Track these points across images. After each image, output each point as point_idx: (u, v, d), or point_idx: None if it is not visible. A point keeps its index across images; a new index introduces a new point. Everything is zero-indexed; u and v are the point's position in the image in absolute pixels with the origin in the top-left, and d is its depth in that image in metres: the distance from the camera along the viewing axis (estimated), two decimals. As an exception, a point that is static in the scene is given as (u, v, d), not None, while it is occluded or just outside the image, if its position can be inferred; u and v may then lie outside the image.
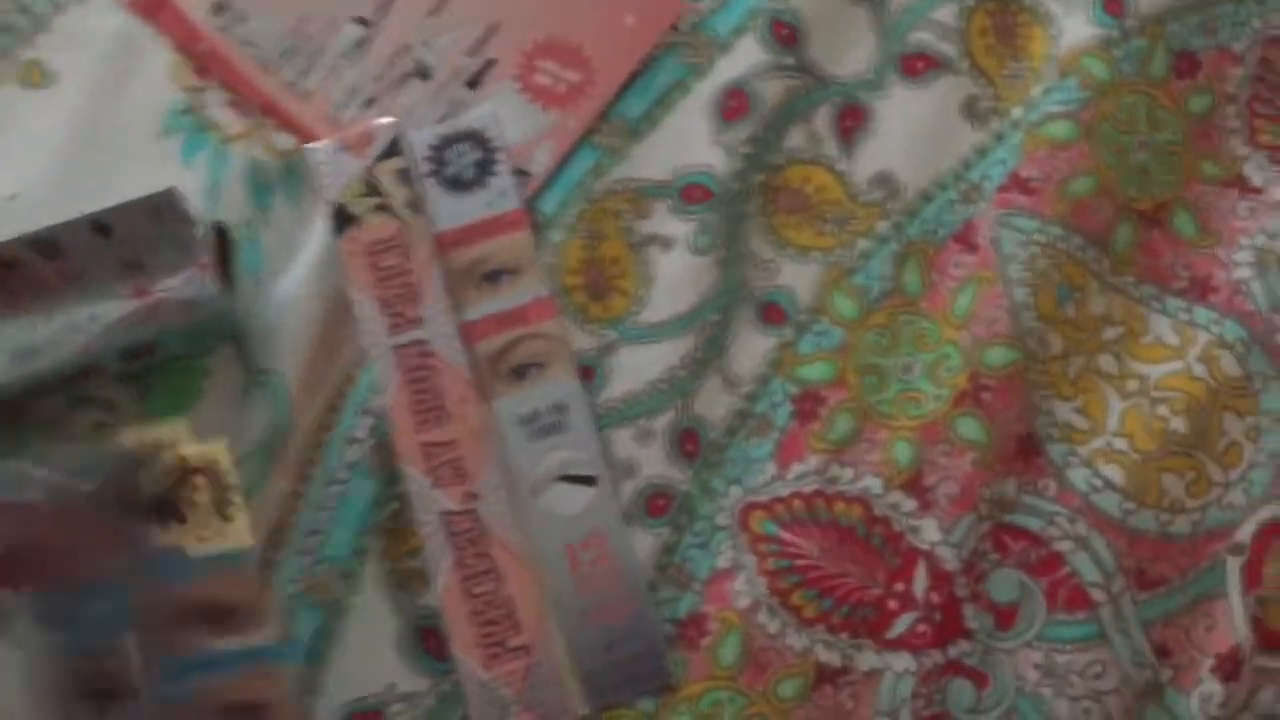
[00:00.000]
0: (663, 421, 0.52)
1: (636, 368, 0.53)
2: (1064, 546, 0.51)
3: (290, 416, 0.51)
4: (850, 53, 0.56)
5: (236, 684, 0.49)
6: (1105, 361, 0.53)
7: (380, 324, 0.50)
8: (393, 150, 0.51)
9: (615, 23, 0.55)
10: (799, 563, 0.51)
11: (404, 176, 0.51)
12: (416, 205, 0.51)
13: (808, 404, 0.53)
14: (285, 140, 0.54)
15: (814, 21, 0.56)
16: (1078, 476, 0.52)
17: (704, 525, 0.52)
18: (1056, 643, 0.51)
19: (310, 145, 0.51)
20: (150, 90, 0.54)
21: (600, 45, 0.55)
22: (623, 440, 0.52)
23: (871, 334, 0.53)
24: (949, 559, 0.51)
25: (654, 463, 0.52)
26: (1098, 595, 0.51)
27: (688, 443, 0.52)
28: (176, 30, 0.54)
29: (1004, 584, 0.51)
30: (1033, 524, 0.52)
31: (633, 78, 0.55)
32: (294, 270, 0.52)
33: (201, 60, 0.54)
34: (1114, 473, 0.52)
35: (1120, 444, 0.52)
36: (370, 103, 0.54)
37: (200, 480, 0.49)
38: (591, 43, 0.55)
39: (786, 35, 0.56)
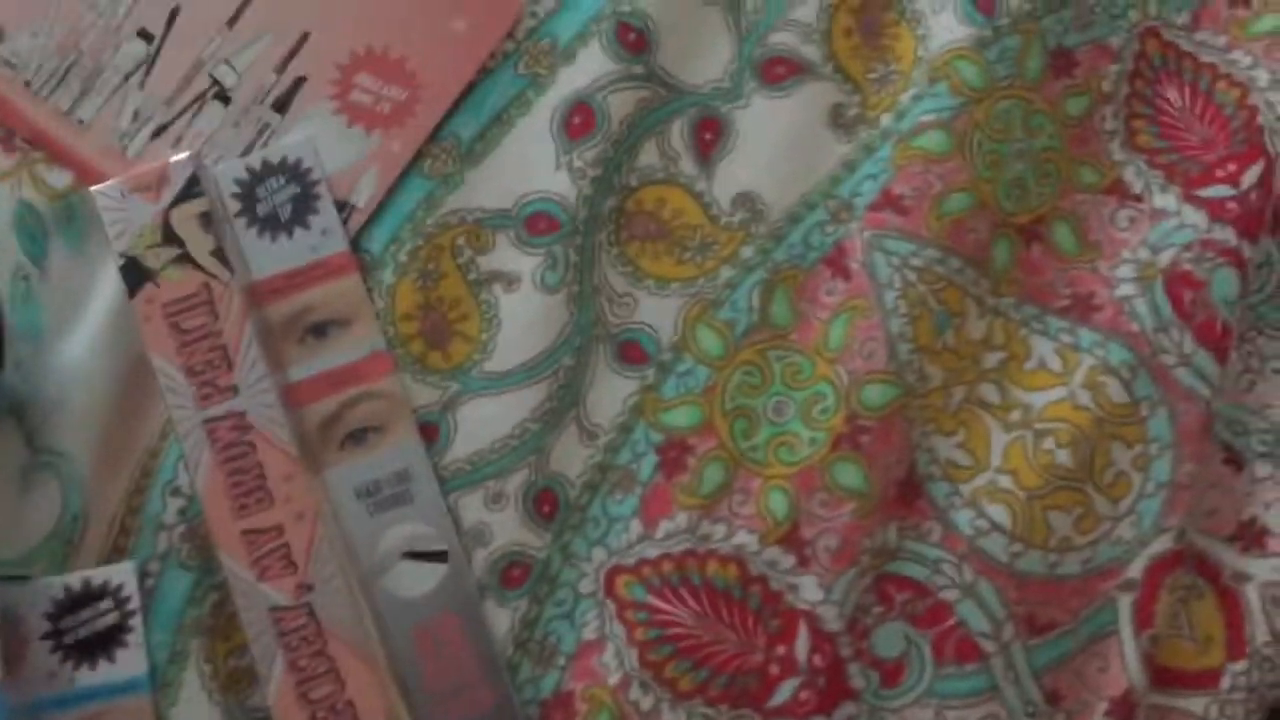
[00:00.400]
0: (516, 482, 0.48)
1: (484, 423, 0.48)
2: (950, 595, 0.49)
3: (85, 503, 0.45)
4: (705, 59, 0.52)
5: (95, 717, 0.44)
6: (987, 391, 0.50)
7: (187, 395, 0.44)
8: (191, 190, 0.45)
9: (442, 30, 0.49)
10: (671, 631, 0.47)
11: (206, 220, 0.45)
12: (223, 254, 0.45)
13: (674, 453, 0.49)
14: (59, 177, 0.47)
15: (664, 24, 0.52)
16: (961, 518, 0.49)
17: (566, 593, 0.48)
18: (946, 698, 0.48)
19: (94, 188, 0.44)
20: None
21: (426, 57, 0.49)
22: (472, 505, 0.48)
23: (739, 373, 0.50)
24: (831, 618, 0.48)
25: (508, 528, 0.48)
26: (987, 645, 0.49)
27: (544, 504, 0.48)
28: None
29: (889, 638, 0.49)
30: (917, 572, 0.49)
31: (465, 93, 0.49)
32: (80, 332, 0.46)
33: (-45, 85, 0.47)
34: (999, 512, 0.49)
35: (1005, 481, 0.50)
36: (160, 131, 0.47)
37: None
38: (416, 54, 0.49)
39: (635, 41, 0.51)
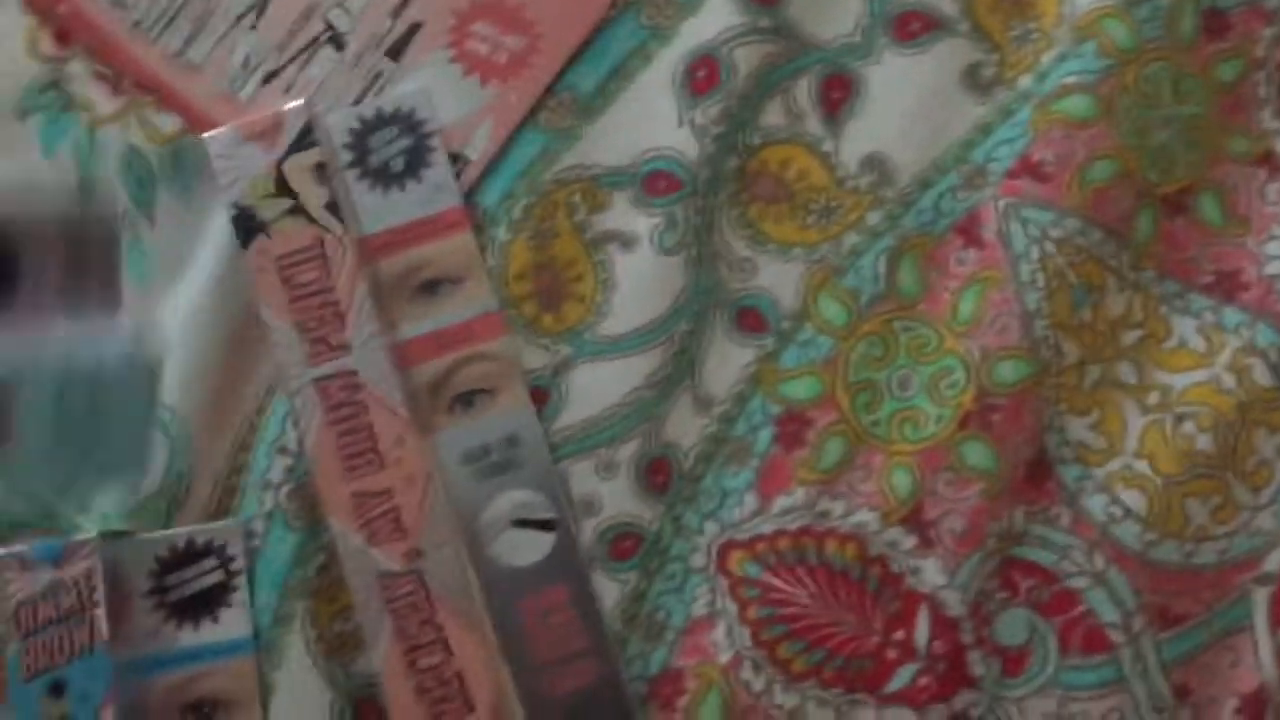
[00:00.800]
0: (628, 450, 0.46)
1: (597, 389, 0.47)
2: (1079, 583, 0.47)
3: (191, 460, 0.44)
4: (836, 12, 0.50)
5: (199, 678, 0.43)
6: (1124, 370, 0.48)
7: (299, 353, 0.43)
8: (305, 140, 0.44)
9: (563, -22, 0.47)
10: (786, 610, 0.45)
11: (321, 172, 0.44)
12: (337, 207, 0.43)
13: (792, 426, 0.47)
14: (168, 121, 0.46)
15: (794, -26, 0.49)
16: (1094, 504, 0.47)
17: (677, 568, 0.46)
18: (1070, 689, 0.46)
19: (207, 135, 0.43)
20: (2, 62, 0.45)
21: (546, 5, 0.47)
22: (583, 474, 0.46)
23: (863, 344, 0.47)
24: (953, 604, 0.46)
25: (619, 499, 0.46)
26: (1116, 636, 0.46)
27: (657, 474, 0.46)
28: (31, -14, 0.45)
29: (1013, 625, 0.46)
30: (1045, 558, 0.47)
31: (584, 43, 0.47)
32: (188, 284, 0.45)
33: (63, 24, 0.45)
34: (1134, 499, 0.47)
35: (1141, 466, 0.47)
36: (272, 76, 0.46)
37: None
38: (535, 2, 0.46)
39: (763, -9, 0.48)
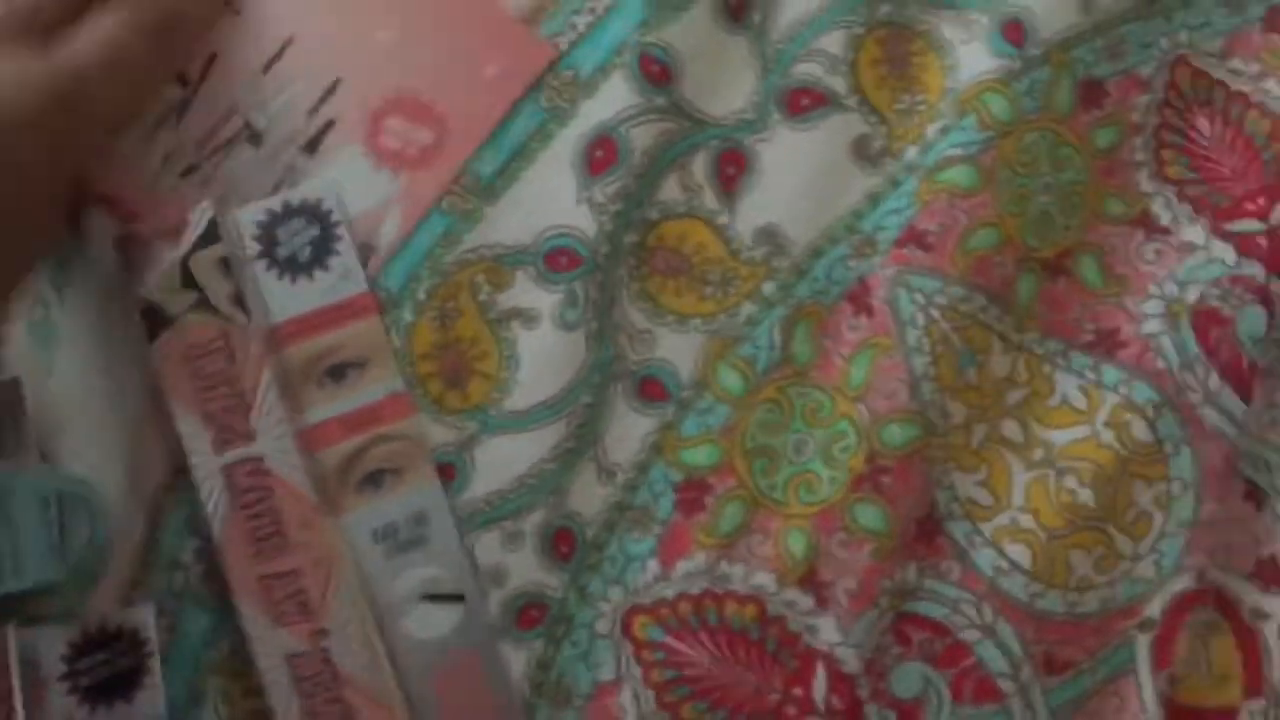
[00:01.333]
0: (533, 521, 0.48)
1: (502, 462, 0.48)
2: (969, 636, 0.49)
3: (108, 534, 0.45)
4: (729, 89, 0.51)
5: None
6: (1009, 429, 0.50)
7: (205, 441, 0.44)
8: (210, 235, 0.44)
9: (474, 75, 0.49)
10: (689, 672, 0.47)
11: (225, 266, 0.44)
12: (241, 299, 0.44)
13: (692, 493, 0.49)
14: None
15: (688, 54, 0.51)
16: (982, 558, 0.49)
17: (583, 634, 0.48)
18: (963, 737, 0.48)
19: (116, 234, 0.44)
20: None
21: (456, 100, 0.49)
22: (489, 545, 0.48)
23: (760, 410, 0.49)
24: (849, 660, 0.48)
25: (524, 568, 0.48)
26: (1005, 685, 0.48)
27: (561, 544, 0.48)
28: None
29: (907, 679, 0.48)
30: (936, 612, 0.49)
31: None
32: (96, 362, 0.46)
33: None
34: (1020, 553, 0.49)
35: (1026, 520, 0.49)
36: (190, 171, 0.47)
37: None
38: (446, 98, 0.49)
39: (658, 72, 0.50)
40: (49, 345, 0.47)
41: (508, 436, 0.49)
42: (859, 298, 0.51)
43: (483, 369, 0.49)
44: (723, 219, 0.51)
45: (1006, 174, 0.51)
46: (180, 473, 0.46)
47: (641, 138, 0.50)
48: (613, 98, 0.50)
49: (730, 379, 0.50)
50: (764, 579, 0.49)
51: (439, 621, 0.46)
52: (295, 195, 0.46)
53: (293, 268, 0.46)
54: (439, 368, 0.49)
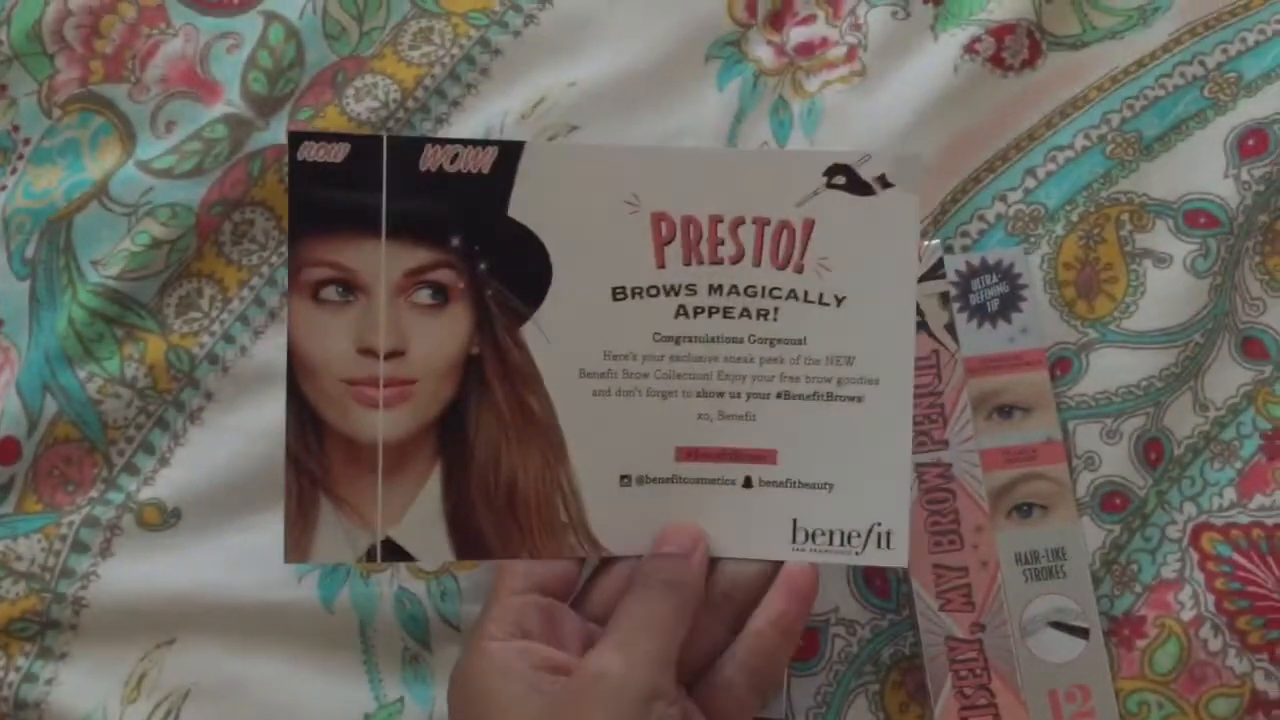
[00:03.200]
0: (1131, 425, 0.54)
1: (1113, 369, 0.55)
2: None
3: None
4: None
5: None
6: None
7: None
8: (936, 272, 0.54)
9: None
10: (1251, 589, 0.51)
11: (943, 299, 0.54)
12: (953, 329, 0.54)
13: (1279, 442, 0.53)
14: (816, 82, 0.57)
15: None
16: None
17: (1155, 533, 0.53)
18: None
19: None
20: (706, 18, 0.58)
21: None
22: (1089, 433, 0.54)
23: (1354, 389, 0.54)
24: None
25: (1116, 462, 0.54)
26: None
27: (1152, 451, 0.54)
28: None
29: None
30: None
31: (1152, 101, 0.56)
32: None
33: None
34: None
35: None
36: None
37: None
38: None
39: (1317, 88, 0.57)
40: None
41: (1123, 350, 0.55)
42: None
43: (1110, 291, 0.56)
44: (1347, 223, 0.57)
45: None
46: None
47: (1290, 137, 0.58)
48: (1272, 100, 0.57)
49: (1330, 356, 0.55)
50: (1338, 528, 0.53)
51: (1064, 648, 0.52)
52: (992, 255, 0.55)
53: (981, 314, 0.55)
54: (1075, 277, 0.56)
